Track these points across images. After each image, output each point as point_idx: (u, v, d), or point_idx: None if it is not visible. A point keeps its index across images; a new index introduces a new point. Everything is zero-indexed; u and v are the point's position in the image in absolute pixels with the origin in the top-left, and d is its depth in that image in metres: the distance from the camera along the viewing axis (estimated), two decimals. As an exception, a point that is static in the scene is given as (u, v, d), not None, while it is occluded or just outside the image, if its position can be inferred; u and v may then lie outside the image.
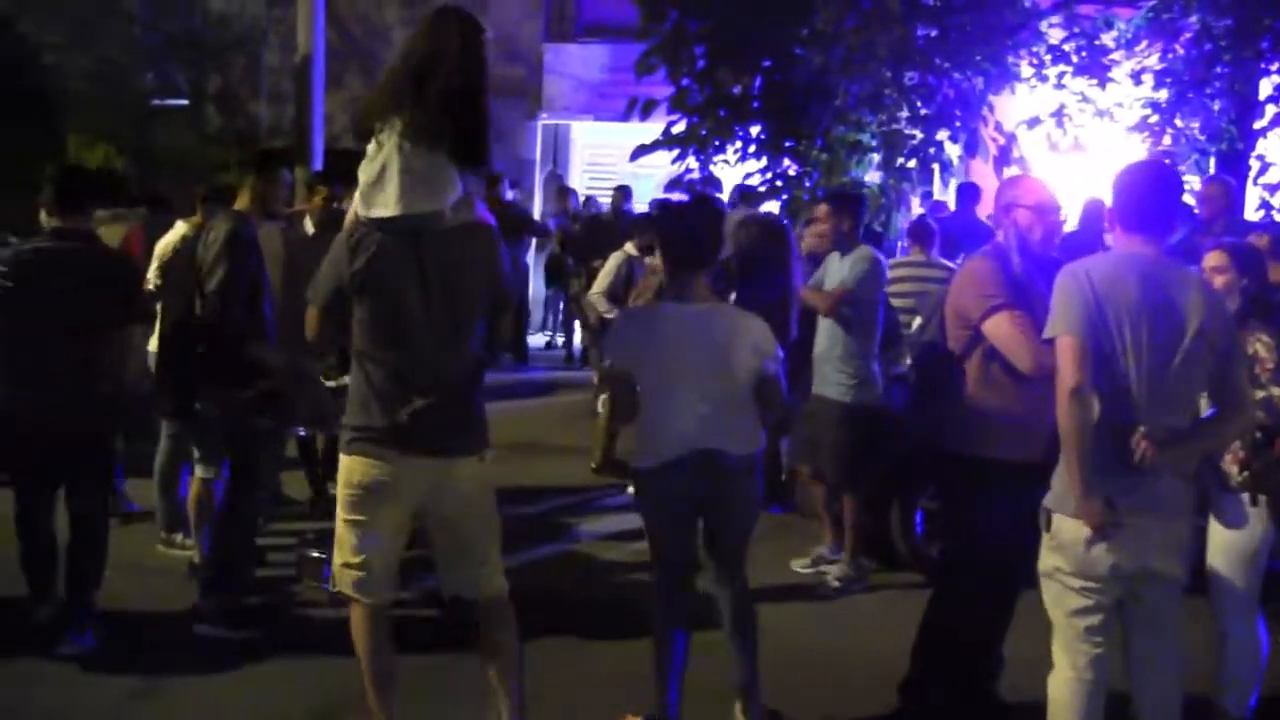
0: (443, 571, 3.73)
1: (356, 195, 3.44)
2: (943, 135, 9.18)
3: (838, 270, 5.61)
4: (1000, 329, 3.80)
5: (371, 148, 3.41)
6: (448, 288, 3.40)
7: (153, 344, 5.65)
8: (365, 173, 3.40)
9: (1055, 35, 9.50)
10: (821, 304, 5.59)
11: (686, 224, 3.89)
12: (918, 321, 4.87)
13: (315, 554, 5.26)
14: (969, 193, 9.83)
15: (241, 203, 5.02)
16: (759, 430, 3.92)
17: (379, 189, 3.35)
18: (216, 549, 4.97)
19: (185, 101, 15.51)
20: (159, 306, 5.54)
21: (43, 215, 4.84)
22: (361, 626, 3.58)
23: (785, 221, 6.88)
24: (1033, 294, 3.85)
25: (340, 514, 3.54)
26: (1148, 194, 3.37)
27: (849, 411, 5.50)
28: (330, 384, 5.39)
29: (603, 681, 4.55)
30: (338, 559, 3.57)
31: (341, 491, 3.54)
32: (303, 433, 6.17)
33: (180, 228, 5.99)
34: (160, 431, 5.81)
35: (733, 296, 3.94)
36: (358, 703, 3.76)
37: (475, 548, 3.63)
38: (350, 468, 3.48)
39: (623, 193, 12.11)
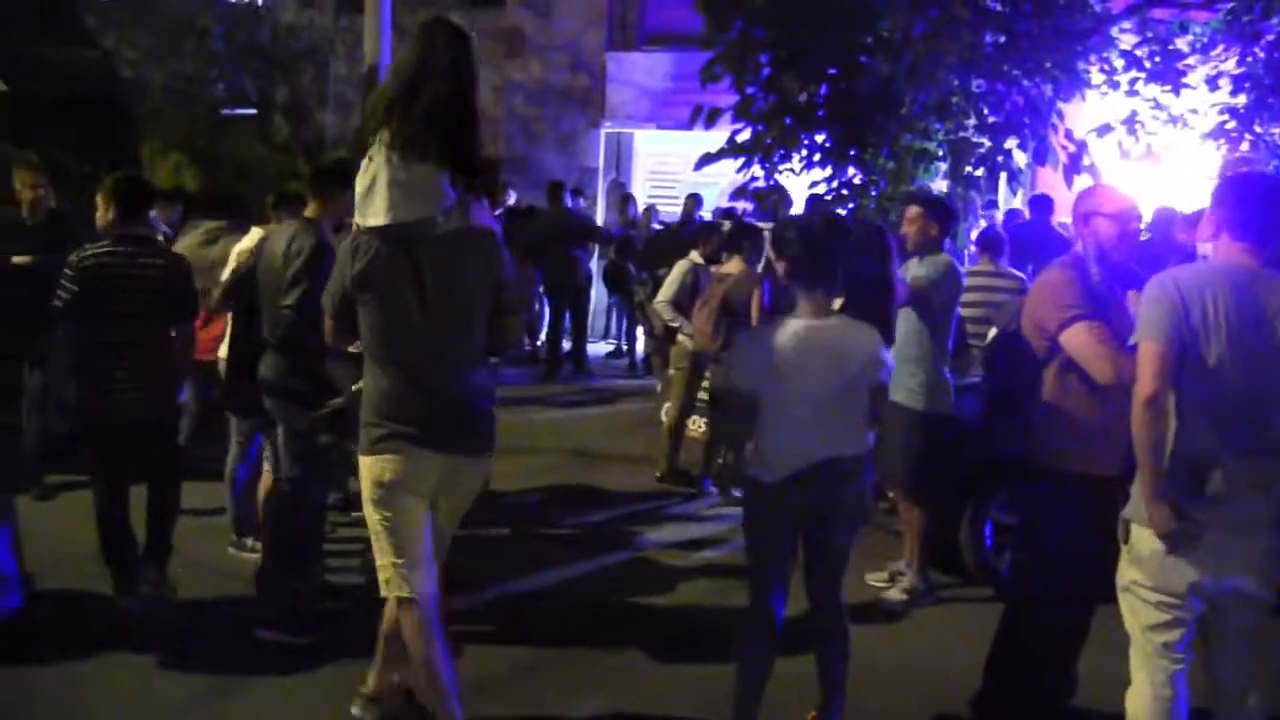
0: None
1: (356, 205, 3.58)
2: (1011, 143, 9.02)
3: (915, 271, 5.53)
4: (1077, 339, 3.74)
5: (365, 160, 3.53)
6: (444, 291, 3.49)
7: (222, 350, 5.73)
8: (359, 184, 3.53)
9: (1127, 41, 9.30)
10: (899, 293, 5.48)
11: (815, 241, 3.84)
12: (993, 332, 4.79)
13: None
14: (1042, 203, 9.80)
15: (312, 211, 4.99)
16: (868, 431, 3.89)
17: (370, 200, 3.48)
18: (267, 552, 5.04)
19: (254, 111, 15.80)
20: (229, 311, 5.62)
21: (99, 222, 5.00)
22: (414, 628, 3.61)
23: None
24: (1111, 304, 3.78)
25: (372, 516, 3.62)
26: (1262, 204, 3.29)
27: (920, 419, 5.39)
28: (352, 388, 5.40)
29: (667, 691, 4.53)
30: (383, 563, 3.62)
31: (367, 492, 3.60)
32: None
33: (255, 233, 6.07)
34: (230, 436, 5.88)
35: (837, 303, 3.90)
36: (418, 705, 3.78)
37: (441, 541, 3.77)
38: (372, 466, 3.58)
39: (694, 200, 11.95)
